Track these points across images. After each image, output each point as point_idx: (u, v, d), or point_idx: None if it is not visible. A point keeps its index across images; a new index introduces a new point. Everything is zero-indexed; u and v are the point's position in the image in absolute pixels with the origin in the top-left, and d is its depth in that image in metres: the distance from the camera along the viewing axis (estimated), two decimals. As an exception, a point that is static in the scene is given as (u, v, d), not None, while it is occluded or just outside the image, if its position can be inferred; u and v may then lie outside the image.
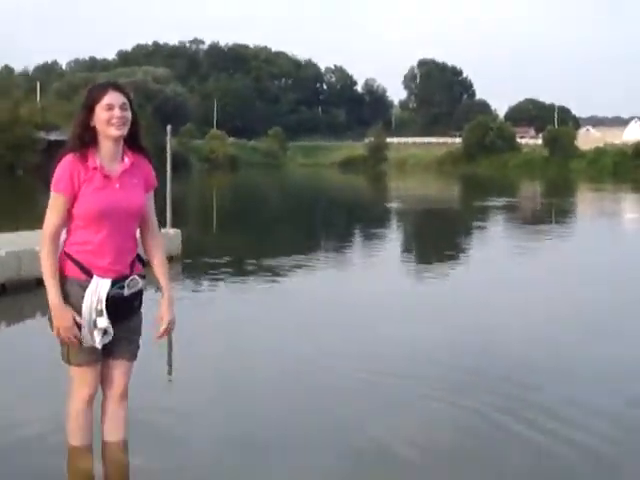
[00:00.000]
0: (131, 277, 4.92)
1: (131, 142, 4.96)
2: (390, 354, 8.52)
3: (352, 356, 8.39)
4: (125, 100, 4.85)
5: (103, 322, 4.81)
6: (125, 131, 4.84)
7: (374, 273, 15.71)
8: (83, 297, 4.79)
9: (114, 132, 4.79)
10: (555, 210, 36.26)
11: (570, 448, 5.81)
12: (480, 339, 9.41)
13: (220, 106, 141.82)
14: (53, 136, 70.43)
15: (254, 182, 70.65)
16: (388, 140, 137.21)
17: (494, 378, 7.65)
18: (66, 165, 4.76)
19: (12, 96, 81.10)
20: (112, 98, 4.79)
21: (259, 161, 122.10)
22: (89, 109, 4.81)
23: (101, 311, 4.79)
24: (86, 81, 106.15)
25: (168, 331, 5.09)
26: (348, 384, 7.38)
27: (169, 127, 17.76)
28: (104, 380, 5.09)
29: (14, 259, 11.78)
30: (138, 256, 5.07)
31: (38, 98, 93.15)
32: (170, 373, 7.98)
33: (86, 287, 4.79)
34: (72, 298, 4.81)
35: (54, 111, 77.39)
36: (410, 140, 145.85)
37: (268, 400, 6.87)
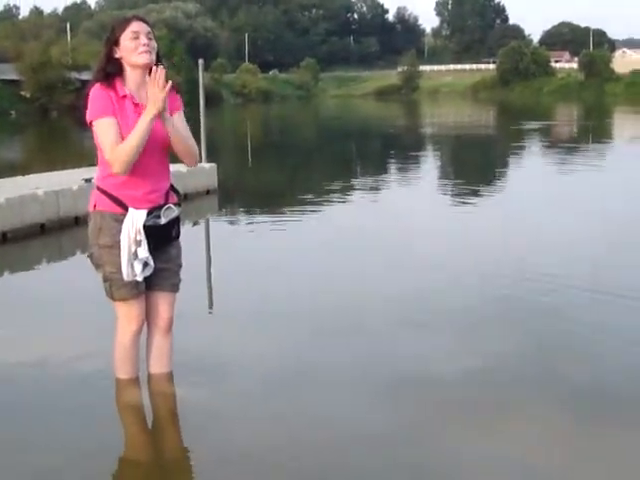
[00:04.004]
0: (166, 206, 4.93)
1: None
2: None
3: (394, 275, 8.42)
4: (150, 30, 4.84)
5: (143, 252, 4.84)
6: (153, 58, 4.81)
7: (421, 196, 15.62)
8: (119, 231, 4.82)
9: (142, 59, 4.78)
10: (592, 132, 35.98)
11: None
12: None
13: (251, 40, 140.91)
14: (85, 76, 70.27)
15: (288, 114, 70.41)
16: (421, 68, 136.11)
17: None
18: (99, 92, 4.75)
19: (42, 38, 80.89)
20: (137, 26, 4.80)
21: (291, 93, 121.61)
22: (113, 42, 4.81)
23: (140, 241, 4.82)
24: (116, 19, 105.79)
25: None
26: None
27: (201, 61, 17.61)
28: (149, 313, 5.15)
29: (52, 199, 11.84)
30: (172, 187, 5.09)
31: (69, 38, 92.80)
32: (210, 305, 8.02)
33: (121, 220, 4.82)
34: (107, 232, 4.85)
35: (85, 51, 76.83)
36: (443, 68, 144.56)
37: (310, 325, 6.88)
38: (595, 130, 37.45)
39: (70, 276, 8.99)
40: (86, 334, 6.55)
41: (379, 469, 4.31)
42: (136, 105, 4.81)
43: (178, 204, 5.08)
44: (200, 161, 15.42)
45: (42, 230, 11.64)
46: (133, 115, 4.78)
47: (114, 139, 4.69)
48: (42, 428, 4.88)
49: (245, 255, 9.99)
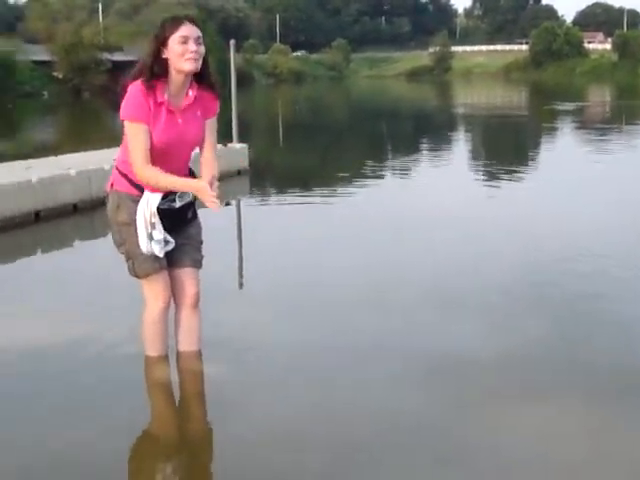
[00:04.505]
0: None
1: (199, 78, 4.89)
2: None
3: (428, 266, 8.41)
4: (200, 34, 4.77)
5: (158, 235, 4.91)
6: (199, 66, 4.75)
7: (455, 176, 15.55)
8: (136, 211, 4.88)
9: (188, 66, 4.71)
10: (625, 113, 35.73)
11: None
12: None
13: (282, 20, 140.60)
14: (116, 57, 70.51)
15: (320, 95, 70.29)
16: (453, 49, 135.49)
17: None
18: (139, 95, 4.69)
19: (74, 19, 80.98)
20: (187, 30, 4.70)
21: (323, 74, 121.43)
22: (162, 41, 4.73)
23: (154, 224, 4.88)
24: (147, 0, 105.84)
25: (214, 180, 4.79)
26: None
27: (232, 42, 17.58)
28: (175, 291, 5.19)
29: (84, 179, 11.90)
30: (190, 172, 5.11)
31: (100, 19, 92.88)
32: (241, 285, 8.04)
33: (138, 201, 4.87)
34: (125, 210, 4.91)
35: (116, 32, 77.15)
36: (476, 48, 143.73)
37: (341, 306, 6.87)
38: (629, 111, 37.15)
39: (102, 255, 9.02)
40: (116, 312, 6.60)
41: (406, 449, 4.32)
42: (170, 112, 4.78)
43: None
44: (231, 142, 15.53)
45: (74, 210, 11.73)
46: (165, 121, 4.77)
47: (143, 146, 4.70)
48: (72, 404, 4.94)
49: (276, 236, 9.99)
